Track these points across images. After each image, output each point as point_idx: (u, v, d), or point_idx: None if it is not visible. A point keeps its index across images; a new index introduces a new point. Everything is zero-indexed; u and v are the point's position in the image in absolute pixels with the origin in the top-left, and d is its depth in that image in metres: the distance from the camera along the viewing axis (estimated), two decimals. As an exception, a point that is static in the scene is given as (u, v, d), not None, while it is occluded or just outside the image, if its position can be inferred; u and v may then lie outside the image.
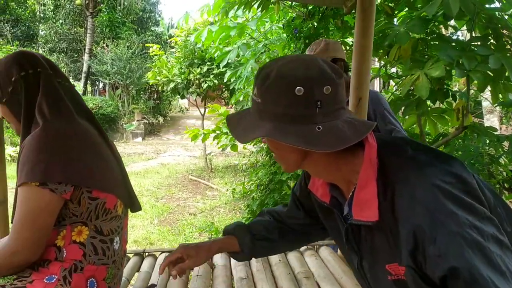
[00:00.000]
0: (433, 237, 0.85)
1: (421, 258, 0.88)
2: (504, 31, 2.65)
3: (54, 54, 20.70)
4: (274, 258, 2.20)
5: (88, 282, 1.42)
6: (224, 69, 6.54)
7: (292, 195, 1.51)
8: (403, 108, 2.92)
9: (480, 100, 5.44)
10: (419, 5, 2.96)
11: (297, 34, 3.62)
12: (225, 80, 5.53)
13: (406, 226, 0.90)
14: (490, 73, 2.52)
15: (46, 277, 1.36)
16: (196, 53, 9.42)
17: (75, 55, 21.73)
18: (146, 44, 15.25)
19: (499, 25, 2.65)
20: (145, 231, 5.39)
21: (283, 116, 0.96)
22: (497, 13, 2.71)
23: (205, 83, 9.37)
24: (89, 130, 1.51)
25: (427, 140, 3.18)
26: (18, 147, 9.41)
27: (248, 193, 5.61)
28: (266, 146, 3.91)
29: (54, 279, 1.36)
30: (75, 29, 21.61)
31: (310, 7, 3.61)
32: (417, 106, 2.76)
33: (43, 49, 20.92)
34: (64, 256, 1.40)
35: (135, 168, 10.18)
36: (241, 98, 5.56)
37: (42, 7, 21.60)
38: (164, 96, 18.69)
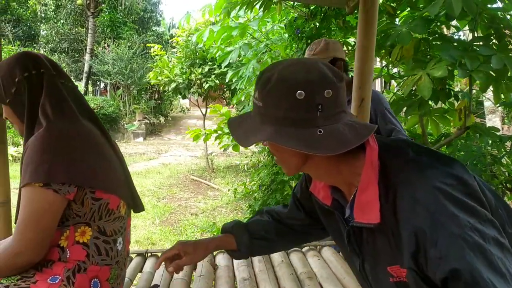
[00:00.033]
0: (434, 239, 0.85)
1: (423, 260, 0.88)
2: (506, 31, 2.65)
3: (56, 54, 20.70)
4: (277, 259, 2.20)
5: (92, 283, 1.42)
6: (225, 69, 6.54)
7: (293, 196, 1.51)
8: (405, 108, 2.92)
9: (482, 100, 5.45)
10: (421, 5, 2.96)
11: (299, 35, 3.62)
12: (226, 80, 5.53)
13: (408, 228, 0.90)
14: (492, 73, 2.52)
15: (50, 278, 1.36)
16: (197, 53, 9.42)
17: (77, 55, 21.74)
18: (147, 44, 15.26)
19: (501, 25, 2.65)
20: (147, 231, 5.39)
21: (284, 119, 0.96)
22: (499, 13, 2.71)
23: (207, 83, 9.37)
24: (92, 131, 1.51)
25: (429, 140, 3.18)
26: (19, 147, 9.45)
27: (250, 193, 5.61)
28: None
29: (58, 280, 1.36)
30: (76, 29, 21.61)
31: (312, 7, 3.61)
32: (419, 106, 2.76)
33: (44, 49, 20.93)
34: (68, 256, 1.40)
35: (137, 168, 10.18)
36: (242, 98, 5.56)
37: (43, 7, 21.61)
38: (165, 96, 18.70)
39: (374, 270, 1.09)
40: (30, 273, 1.38)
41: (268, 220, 1.54)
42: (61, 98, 1.45)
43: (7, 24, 19.65)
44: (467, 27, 3.06)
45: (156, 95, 19.62)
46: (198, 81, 9.48)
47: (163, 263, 1.44)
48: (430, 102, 2.87)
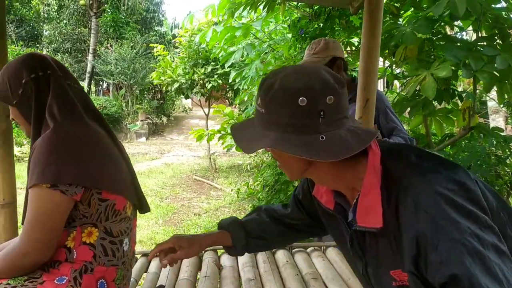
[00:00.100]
0: (435, 244, 0.85)
1: (423, 264, 0.88)
2: (511, 31, 2.65)
3: (58, 54, 20.74)
4: (282, 259, 2.21)
5: (98, 283, 1.42)
6: (228, 69, 6.54)
7: (294, 197, 1.52)
8: (408, 108, 2.91)
9: (485, 100, 5.44)
10: (424, 5, 2.95)
11: (303, 35, 3.62)
12: (230, 81, 5.53)
13: (409, 233, 0.90)
14: (496, 73, 2.51)
15: (57, 278, 1.37)
16: (200, 53, 9.42)
17: (79, 55, 21.77)
18: (150, 44, 15.27)
19: (505, 25, 2.65)
20: (150, 231, 5.40)
21: (286, 126, 0.97)
22: (503, 13, 2.70)
23: (209, 83, 9.37)
24: (98, 132, 1.51)
25: (433, 140, 3.18)
26: (23, 147, 9.46)
27: (254, 193, 5.61)
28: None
29: (65, 280, 1.36)
30: (79, 29, 21.65)
31: (315, 8, 3.61)
32: (424, 106, 2.75)
33: (47, 50, 20.97)
34: (74, 257, 1.40)
35: (139, 168, 10.18)
36: (245, 99, 5.56)
37: (46, 7, 21.65)
38: (167, 96, 18.71)
39: (377, 274, 1.09)
40: (37, 274, 1.38)
41: (266, 219, 1.54)
42: (67, 99, 1.46)
43: (10, 25, 19.69)
44: (470, 27, 3.05)
45: (159, 95, 19.64)
46: (201, 81, 9.48)
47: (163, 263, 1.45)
48: (434, 102, 2.87)
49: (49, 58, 1.50)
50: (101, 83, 23.42)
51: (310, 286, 1.91)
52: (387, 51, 3.06)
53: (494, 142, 2.77)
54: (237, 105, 9.02)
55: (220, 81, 9.40)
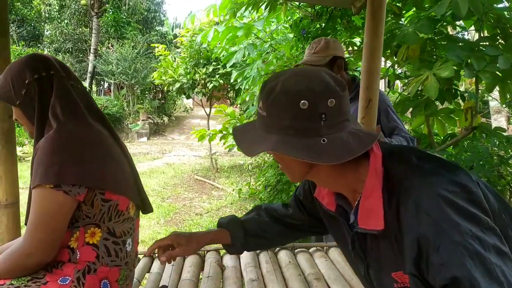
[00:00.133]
0: (436, 246, 0.85)
1: (424, 266, 0.88)
2: (513, 31, 2.65)
3: (60, 54, 20.75)
4: (284, 259, 2.21)
5: (101, 284, 1.43)
6: (229, 69, 6.54)
7: (295, 198, 1.52)
8: (411, 108, 2.91)
9: (487, 100, 5.43)
10: (426, 5, 2.95)
11: (305, 35, 3.61)
12: (231, 81, 5.53)
13: (411, 235, 0.90)
14: (498, 73, 2.51)
15: (60, 279, 1.37)
16: (201, 53, 9.42)
17: (81, 55, 21.77)
18: (151, 44, 15.27)
19: (507, 25, 2.65)
20: (152, 231, 5.40)
21: (288, 129, 0.97)
22: (505, 12, 2.70)
23: (211, 83, 9.37)
24: (101, 132, 1.51)
25: (435, 140, 3.18)
26: (24, 147, 9.45)
27: (256, 193, 5.61)
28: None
29: (68, 281, 1.37)
30: (80, 29, 21.65)
31: (317, 8, 3.60)
32: (426, 106, 2.75)
33: (48, 49, 20.99)
34: (78, 257, 1.41)
35: (141, 168, 10.18)
36: (247, 98, 5.56)
37: (48, 7, 21.64)
38: (169, 96, 18.72)
39: (378, 276, 1.10)
40: (41, 274, 1.38)
41: (266, 219, 1.54)
42: (71, 99, 1.46)
43: (12, 24, 19.70)
44: (472, 27, 3.05)
45: (160, 95, 19.66)
46: (202, 81, 9.48)
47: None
48: (436, 102, 2.87)
49: (52, 59, 1.51)
50: (102, 83, 23.43)
51: (313, 287, 1.92)
52: (389, 51, 3.06)
53: (497, 142, 2.76)
54: (239, 105, 9.01)
55: (221, 81, 9.40)
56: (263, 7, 3.44)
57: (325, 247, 2.40)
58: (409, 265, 0.91)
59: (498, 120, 5.35)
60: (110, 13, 20.67)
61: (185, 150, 14.14)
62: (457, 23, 3.16)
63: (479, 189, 0.95)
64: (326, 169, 1.05)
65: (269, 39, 4.84)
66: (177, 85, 9.65)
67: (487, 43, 2.63)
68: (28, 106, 1.44)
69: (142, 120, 17.78)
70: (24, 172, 7.53)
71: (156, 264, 2.19)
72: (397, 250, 0.97)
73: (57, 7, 21.55)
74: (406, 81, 3.50)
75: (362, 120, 2.17)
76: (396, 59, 3.05)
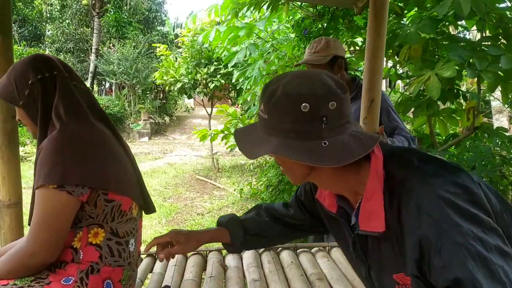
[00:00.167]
0: (438, 248, 0.86)
1: (426, 268, 0.89)
2: (515, 31, 2.65)
3: (61, 54, 20.76)
4: (286, 259, 2.21)
5: (105, 284, 1.43)
6: (231, 69, 6.54)
7: (296, 198, 1.52)
8: (412, 108, 2.91)
9: (488, 100, 5.43)
10: (428, 5, 2.95)
11: (307, 35, 3.61)
12: (233, 81, 5.53)
13: (412, 236, 0.91)
14: (500, 73, 2.51)
15: (63, 279, 1.37)
16: (203, 53, 9.43)
17: (82, 55, 21.79)
18: (153, 44, 15.28)
19: (509, 25, 2.65)
20: (154, 231, 5.40)
21: (289, 132, 0.97)
22: (508, 12, 2.70)
23: (212, 83, 9.38)
24: (104, 132, 1.51)
25: (437, 140, 3.17)
26: (26, 147, 9.47)
27: (257, 193, 5.60)
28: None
29: (71, 281, 1.37)
30: (81, 29, 21.67)
31: (319, 8, 3.60)
32: (428, 106, 2.75)
33: (50, 49, 21.00)
34: (81, 257, 1.41)
35: (142, 168, 10.18)
36: (248, 98, 5.56)
37: (49, 7, 21.65)
38: (170, 96, 18.73)
39: (380, 278, 1.10)
40: (44, 274, 1.38)
41: (266, 219, 1.55)
42: (73, 100, 1.46)
43: (13, 24, 19.61)
44: (474, 27, 3.05)
45: (161, 95, 19.68)
46: (204, 81, 9.49)
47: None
48: (437, 102, 2.87)
49: (55, 59, 1.51)
50: (103, 83, 23.45)
51: (315, 287, 1.91)
52: (390, 50, 3.06)
53: (499, 142, 2.76)
54: (240, 105, 9.02)
55: (222, 81, 9.41)
56: (265, 7, 3.44)
57: (327, 247, 2.40)
58: (411, 267, 0.92)
59: (500, 120, 5.35)
60: (112, 13, 20.70)
61: (187, 150, 14.15)
62: (459, 22, 3.15)
63: (481, 190, 0.95)
64: (327, 171, 1.05)
65: (270, 39, 4.84)
66: (179, 85, 9.66)
67: (489, 43, 2.63)
68: (31, 106, 1.44)
69: (144, 120, 17.80)
70: (26, 172, 7.54)
71: (159, 264, 2.19)
72: (398, 251, 0.97)
73: (58, 7, 21.57)
74: (408, 81, 3.50)
75: (365, 120, 2.17)
76: (398, 59, 3.05)
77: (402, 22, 3.16)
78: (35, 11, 21.49)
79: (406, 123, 4.30)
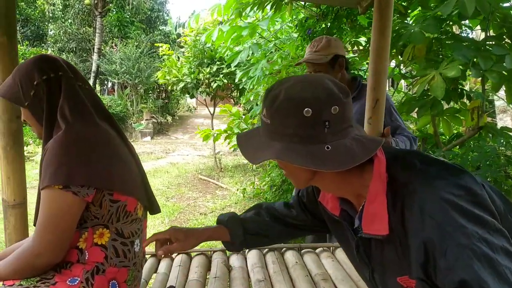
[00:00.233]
0: (443, 250, 0.85)
1: (432, 271, 0.88)
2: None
3: (64, 53, 20.80)
4: (291, 260, 2.20)
5: (110, 284, 1.43)
6: (234, 69, 6.54)
7: (298, 199, 1.52)
8: (416, 108, 2.90)
9: (492, 99, 5.41)
10: (432, 4, 2.94)
11: (310, 34, 3.61)
12: (236, 80, 5.53)
13: (417, 240, 0.90)
14: (505, 72, 2.50)
15: (69, 279, 1.37)
16: (205, 53, 9.44)
17: (84, 55, 21.82)
18: (155, 44, 15.29)
19: (514, 24, 2.64)
20: (156, 231, 5.35)
21: (292, 136, 0.97)
22: (512, 12, 2.69)
23: (215, 82, 9.38)
24: (109, 132, 1.51)
25: (441, 140, 3.17)
26: (29, 147, 9.48)
27: (261, 193, 5.59)
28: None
29: (77, 281, 1.37)
30: (84, 28, 21.69)
31: (323, 7, 3.60)
32: (432, 106, 2.75)
33: (52, 49, 21.04)
34: (86, 258, 1.41)
35: (145, 168, 9.76)
36: (251, 98, 5.56)
37: (52, 7, 21.68)
38: (172, 95, 18.74)
39: (383, 280, 1.09)
40: (49, 275, 1.39)
41: (266, 219, 1.54)
42: (79, 100, 1.46)
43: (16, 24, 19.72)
44: (478, 27, 3.04)
45: (163, 94, 19.68)
46: (207, 81, 9.50)
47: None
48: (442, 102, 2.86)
49: (60, 60, 1.51)
50: (106, 82, 23.49)
51: (320, 287, 1.91)
52: (394, 50, 3.05)
53: (503, 142, 2.75)
54: (243, 105, 9.02)
55: (225, 81, 9.41)
56: (268, 7, 3.43)
57: (331, 248, 2.39)
58: (417, 270, 0.91)
59: (504, 120, 5.33)
60: (114, 12, 20.72)
61: (189, 150, 14.15)
62: (463, 22, 3.14)
63: (484, 191, 0.95)
64: (330, 175, 1.05)
65: (273, 39, 4.84)
66: (181, 84, 9.67)
67: (494, 43, 2.62)
68: (37, 107, 1.44)
69: (146, 119, 17.81)
70: (29, 171, 7.55)
71: (163, 264, 2.20)
72: (401, 254, 0.97)
73: (60, 7, 21.59)
74: (412, 80, 3.50)
75: (369, 120, 2.16)
76: (402, 59, 3.05)
77: (406, 21, 3.15)
78: (37, 11, 21.51)
79: (410, 122, 4.30)
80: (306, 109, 0.95)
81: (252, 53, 4.54)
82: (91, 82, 19.19)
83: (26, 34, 20.64)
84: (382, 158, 1.03)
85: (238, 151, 9.45)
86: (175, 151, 14.00)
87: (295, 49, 4.09)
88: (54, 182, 1.30)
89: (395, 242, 0.98)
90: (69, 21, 21.27)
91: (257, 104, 5.79)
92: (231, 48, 5.01)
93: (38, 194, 1.39)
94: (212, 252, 2.34)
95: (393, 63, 3.56)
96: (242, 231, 1.50)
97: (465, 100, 2.99)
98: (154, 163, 11.35)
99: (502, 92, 3.48)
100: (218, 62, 9.29)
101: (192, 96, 10.41)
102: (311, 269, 2.12)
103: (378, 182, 1.01)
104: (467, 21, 3.14)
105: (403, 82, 7.59)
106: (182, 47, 11.31)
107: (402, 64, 3.25)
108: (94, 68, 19.55)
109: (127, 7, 21.05)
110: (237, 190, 7.33)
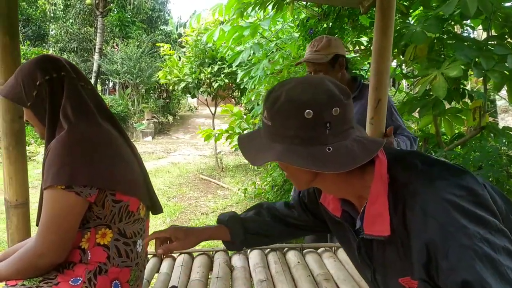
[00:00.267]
0: (445, 251, 0.85)
1: (434, 272, 0.88)
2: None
3: (65, 53, 20.80)
4: (293, 260, 2.21)
5: (113, 284, 1.43)
6: (235, 69, 6.54)
7: (299, 200, 1.51)
8: (418, 108, 2.90)
9: (494, 99, 5.41)
10: (433, 4, 2.94)
11: (312, 34, 3.61)
12: (237, 80, 5.53)
13: (419, 240, 0.90)
14: (507, 72, 2.50)
15: (72, 279, 1.37)
16: (207, 53, 9.44)
17: (85, 55, 21.83)
18: (156, 44, 15.29)
19: (516, 24, 2.63)
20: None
21: (293, 138, 0.97)
22: (514, 11, 2.68)
23: (216, 82, 9.38)
24: (111, 132, 1.51)
25: (443, 140, 3.16)
26: (30, 147, 9.49)
27: (262, 193, 5.59)
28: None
29: (80, 281, 1.37)
30: (85, 28, 21.70)
31: (325, 7, 3.59)
32: (434, 106, 2.74)
33: (53, 49, 21.05)
34: (89, 258, 1.41)
35: (146, 167, 10.12)
36: (252, 98, 5.56)
37: (53, 6, 21.69)
38: (173, 95, 18.75)
39: (385, 281, 1.09)
40: (52, 275, 1.39)
41: (266, 219, 1.54)
42: (81, 100, 1.46)
43: (17, 24, 19.74)
44: (480, 26, 3.03)
45: (165, 94, 19.69)
46: (208, 81, 9.50)
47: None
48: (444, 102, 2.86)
49: (62, 60, 1.51)
50: (107, 82, 23.49)
51: (322, 287, 1.91)
52: (396, 50, 3.05)
53: (505, 142, 2.75)
54: (244, 104, 9.02)
55: (226, 80, 9.41)
56: (269, 6, 3.43)
57: (333, 248, 2.40)
58: (419, 271, 0.91)
59: (506, 119, 5.32)
60: (115, 12, 20.73)
61: (190, 149, 14.16)
62: (464, 22, 3.14)
63: (486, 192, 0.95)
64: (331, 176, 1.05)
65: (274, 39, 4.84)
66: (182, 84, 9.67)
67: (495, 42, 2.62)
68: (39, 107, 1.45)
69: (147, 119, 17.81)
70: (30, 171, 7.55)
71: (166, 264, 2.20)
72: (403, 255, 0.97)
73: (62, 7, 21.59)
74: (413, 80, 3.49)
75: (371, 120, 2.16)
76: (403, 59, 3.04)
77: (408, 21, 3.15)
78: (38, 11, 21.52)
79: (412, 122, 4.29)
80: (307, 110, 0.95)
81: (254, 53, 4.53)
82: (92, 82, 19.20)
83: (28, 34, 20.65)
84: (383, 159, 1.03)
85: (239, 151, 9.45)
86: (176, 151, 14.01)
87: (297, 49, 4.09)
88: (57, 182, 1.30)
89: (397, 243, 0.98)
90: (70, 21, 21.28)
91: (258, 104, 5.78)
92: (233, 48, 5.00)
93: (40, 194, 1.39)
94: (214, 252, 2.34)
95: (394, 63, 3.56)
96: (243, 231, 1.51)
97: (467, 100, 2.98)
98: (155, 163, 11.36)
99: (504, 92, 3.47)
100: (219, 62, 9.28)
101: (193, 96, 10.41)
102: (313, 269, 2.12)
103: (379, 183, 1.01)
104: (469, 21, 3.13)
105: (404, 82, 7.59)
106: (183, 47, 11.31)
107: (404, 64, 3.24)
108: (95, 68, 19.56)
109: (128, 7, 21.05)
110: (239, 190, 7.33)
